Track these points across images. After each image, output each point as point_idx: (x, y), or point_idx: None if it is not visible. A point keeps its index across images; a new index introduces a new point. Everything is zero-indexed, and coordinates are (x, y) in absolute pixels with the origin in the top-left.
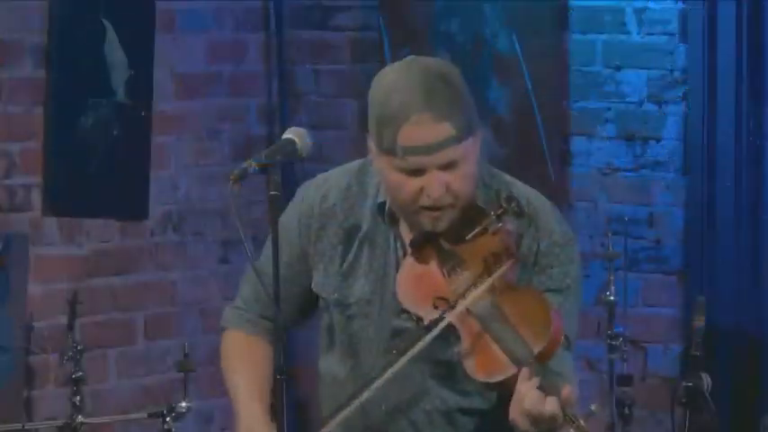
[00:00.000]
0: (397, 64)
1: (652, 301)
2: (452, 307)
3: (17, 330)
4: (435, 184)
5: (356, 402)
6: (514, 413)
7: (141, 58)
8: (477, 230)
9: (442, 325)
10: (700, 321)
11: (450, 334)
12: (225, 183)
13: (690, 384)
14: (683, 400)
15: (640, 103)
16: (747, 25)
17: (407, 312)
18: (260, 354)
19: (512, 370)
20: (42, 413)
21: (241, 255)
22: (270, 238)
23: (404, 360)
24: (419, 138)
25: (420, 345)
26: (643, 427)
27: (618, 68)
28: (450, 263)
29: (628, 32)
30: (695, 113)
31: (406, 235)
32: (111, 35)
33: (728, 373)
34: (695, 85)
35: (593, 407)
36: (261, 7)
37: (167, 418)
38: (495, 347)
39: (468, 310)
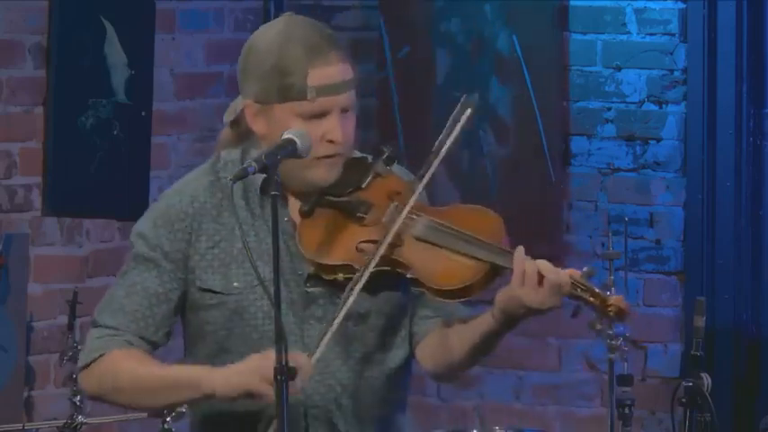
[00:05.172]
0: (273, 22)
1: (652, 301)
2: (382, 241)
3: (17, 330)
4: (339, 127)
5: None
6: (513, 288)
7: (141, 58)
8: (370, 176)
9: (376, 259)
10: (700, 321)
11: (384, 276)
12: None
13: (690, 384)
14: (683, 400)
15: (640, 103)
16: (747, 25)
17: (317, 278)
18: (155, 359)
19: (484, 268)
20: (42, 413)
21: None
22: (127, 265)
23: (342, 313)
24: (330, 76)
25: (357, 288)
26: (643, 427)
27: (618, 68)
28: (356, 209)
29: (628, 32)
30: (695, 113)
31: (293, 212)
32: (111, 35)
33: (728, 373)
34: (695, 85)
35: (585, 269)
36: (261, 7)
37: (167, 418)
38: (456, 257)
39: (412, 237)
